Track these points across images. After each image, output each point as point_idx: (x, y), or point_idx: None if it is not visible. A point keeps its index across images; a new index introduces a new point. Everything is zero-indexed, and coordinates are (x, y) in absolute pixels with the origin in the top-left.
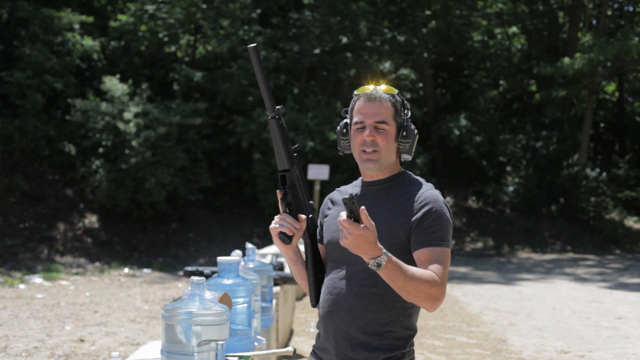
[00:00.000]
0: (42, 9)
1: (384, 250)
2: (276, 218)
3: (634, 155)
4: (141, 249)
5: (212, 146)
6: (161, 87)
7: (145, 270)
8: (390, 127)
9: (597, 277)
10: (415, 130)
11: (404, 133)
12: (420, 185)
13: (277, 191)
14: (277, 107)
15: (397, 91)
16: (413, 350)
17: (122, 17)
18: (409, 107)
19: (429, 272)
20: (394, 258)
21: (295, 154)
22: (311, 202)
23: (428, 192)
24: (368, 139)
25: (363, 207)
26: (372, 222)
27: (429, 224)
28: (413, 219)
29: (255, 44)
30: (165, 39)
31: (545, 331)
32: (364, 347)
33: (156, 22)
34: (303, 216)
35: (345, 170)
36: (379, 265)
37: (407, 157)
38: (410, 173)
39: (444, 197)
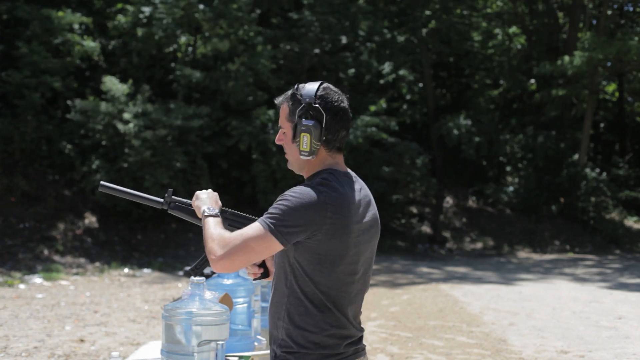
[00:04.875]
0: (41, 9)
1: (207, 211)
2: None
3: (634, 155)
4: (141, 249)
5: (212, 148)
6: (161, 87)
7: (145, 270)
8: (285, 130)
9: (597, 277)
10: (307, 127)
11: (293, 133)
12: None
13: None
14: (164, 198)
15: (297, 88)
16: (319, 355)
17: (120, 20)
18: (307, 100)
19: (225, 233)
20: (212, 220)
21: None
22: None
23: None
24: (278, 142)
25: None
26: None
27: None
28: None
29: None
30: (164, 39)
31: (545, 331)
32: (271, 338)
33: (154, 23)
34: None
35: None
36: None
37: (304, 157)
38: (330, 173)
39: (444, 197)
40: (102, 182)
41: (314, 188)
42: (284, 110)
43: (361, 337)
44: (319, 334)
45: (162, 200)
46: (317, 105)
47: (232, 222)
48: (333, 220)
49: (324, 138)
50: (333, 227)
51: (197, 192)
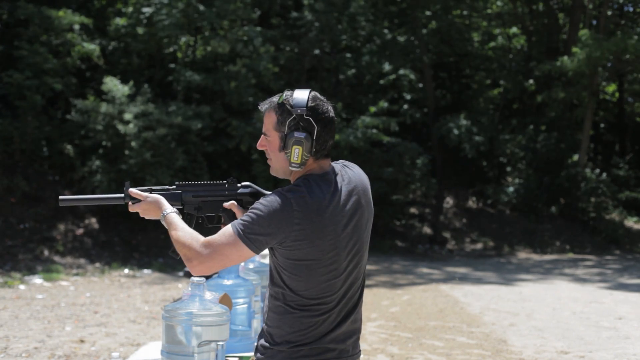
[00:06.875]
0: (42, 10)
1: (167, 212)
2: None
3: (634, 155)
4: (141, 249)
5: (212, 149)
6: (161, 87)
7: (146, 271)
8: (272, 138)
9: (597, 277)
10: (299, 139)
11: (282, 144)
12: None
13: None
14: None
15: (285, 96)
16: (286, 351)
17: (121, 21)
18: (298, 112)
19: (200, 238)
20: (171, 219)
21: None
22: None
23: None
24: (259, 148)
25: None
26: (145, 194)
27: None
28: None
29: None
30: (165, 40)
31: (545, 332)
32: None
33: (154, 24)
34: None
35: None
36: (163, 221)
37: (293, 168)
38: (304, 179)
39: (444, 197)
40: (61, 197)
41: (282, 195)
42: (271, 118)
43: (356, 338)
44: (294, 333)
45: (122, 195)
46: (308, 118)
47: (204, 201)
48: (302, 227)
49: (314, 150)
50: (302, 233)
51: (141, 203)
